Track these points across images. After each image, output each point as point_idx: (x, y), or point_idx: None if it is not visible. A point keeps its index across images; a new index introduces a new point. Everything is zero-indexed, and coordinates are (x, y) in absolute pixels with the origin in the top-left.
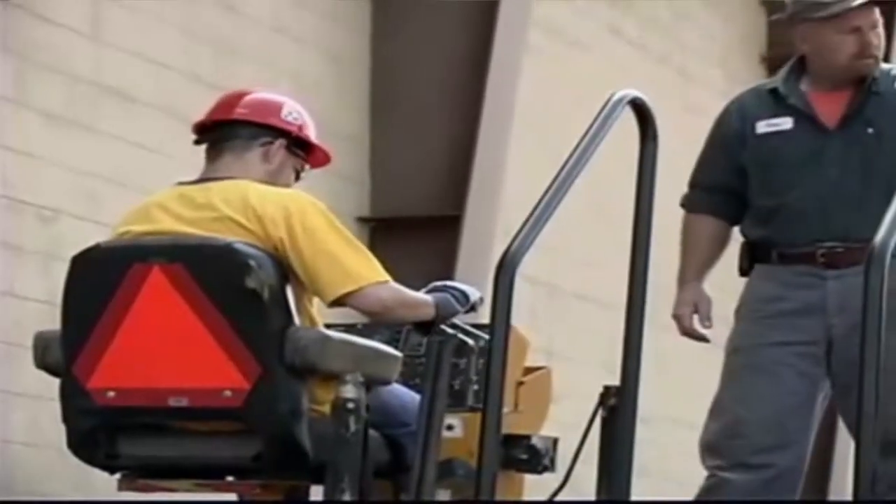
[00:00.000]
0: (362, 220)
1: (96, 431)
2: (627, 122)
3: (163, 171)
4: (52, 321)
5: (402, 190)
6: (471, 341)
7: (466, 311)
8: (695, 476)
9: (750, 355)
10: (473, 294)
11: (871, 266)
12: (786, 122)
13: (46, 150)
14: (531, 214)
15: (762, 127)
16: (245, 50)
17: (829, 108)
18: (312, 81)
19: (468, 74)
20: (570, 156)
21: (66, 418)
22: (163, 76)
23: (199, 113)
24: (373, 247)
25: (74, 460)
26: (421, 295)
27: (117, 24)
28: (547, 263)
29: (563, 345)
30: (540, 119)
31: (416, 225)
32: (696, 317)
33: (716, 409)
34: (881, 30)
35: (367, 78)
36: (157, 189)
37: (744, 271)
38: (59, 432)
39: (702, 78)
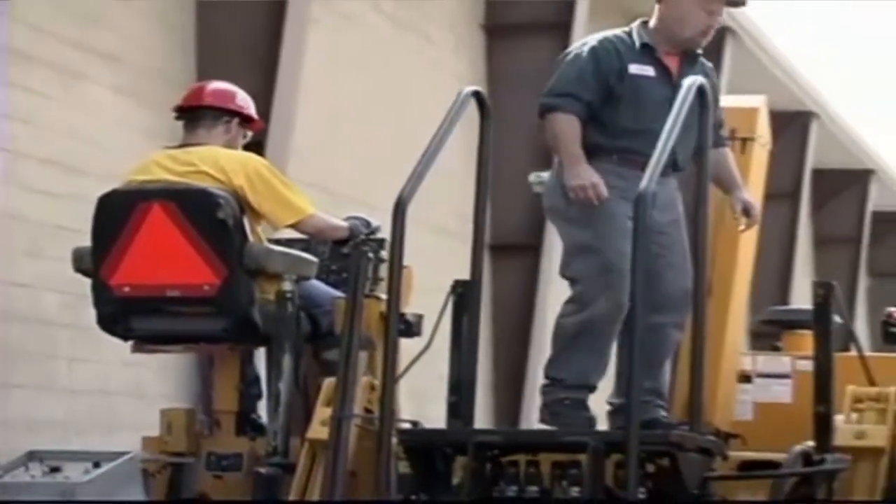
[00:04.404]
0: None
1: (117, 314)
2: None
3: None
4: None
5: None
6: (370, 254)
7: (367, 234)
8: None
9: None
10: (374, 223)
11: (638, 204)
12: (649, 70)
13: None
14: (413, 173)
15: (634, 69)
16: (104, 20)
17: (673, 66)
18: (152, 44)
19: (269, 39)
20: (434, 136)
21: (96, 305)
22: (45, 39)
23: (74, 66)
24: None
25: None
26: (339, 221)
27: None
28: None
29: None
30: (322, 73)
31: None
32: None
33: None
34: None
35: (193, 42)
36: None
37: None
38: None
39: (439, 41)
